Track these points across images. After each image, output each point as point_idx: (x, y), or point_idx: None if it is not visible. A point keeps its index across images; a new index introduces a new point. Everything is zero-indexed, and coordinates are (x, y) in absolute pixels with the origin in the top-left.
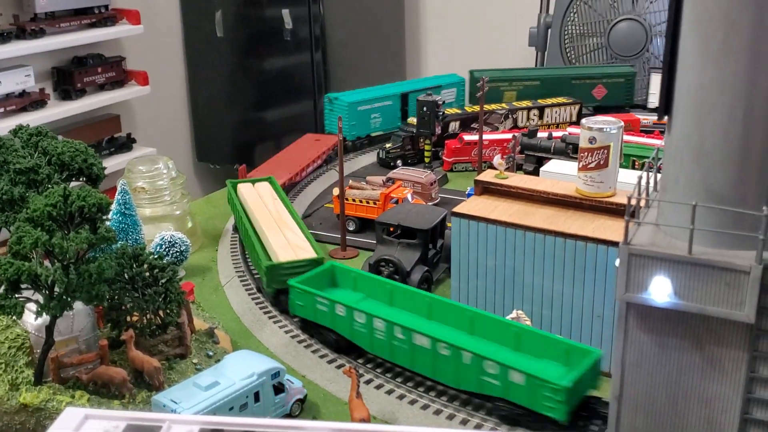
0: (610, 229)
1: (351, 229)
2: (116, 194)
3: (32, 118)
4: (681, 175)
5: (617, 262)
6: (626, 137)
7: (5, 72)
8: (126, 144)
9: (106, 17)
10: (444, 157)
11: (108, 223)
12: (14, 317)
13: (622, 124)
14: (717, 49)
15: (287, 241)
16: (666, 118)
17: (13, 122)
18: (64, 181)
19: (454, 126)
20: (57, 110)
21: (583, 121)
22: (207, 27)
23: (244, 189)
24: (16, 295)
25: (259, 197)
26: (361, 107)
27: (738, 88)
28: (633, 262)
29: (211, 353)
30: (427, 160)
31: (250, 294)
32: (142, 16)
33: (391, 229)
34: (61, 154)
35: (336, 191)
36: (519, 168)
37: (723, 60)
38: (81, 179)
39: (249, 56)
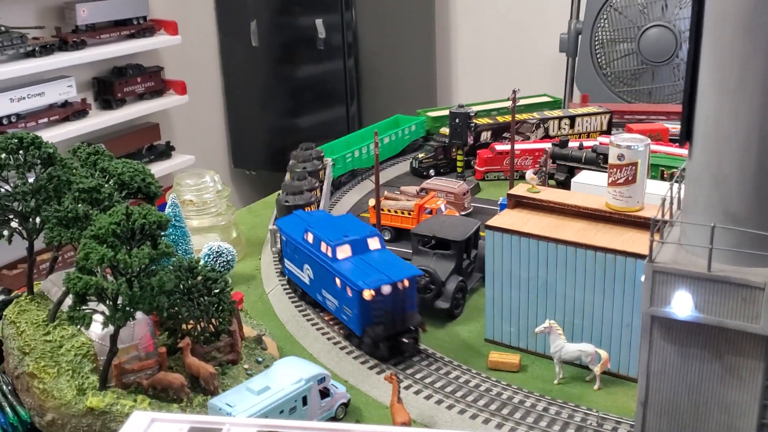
0: (639, 242)
1: (386, 238)
2: (167, 207)
3: (74, 128)
4: (700, 197)
5: (643, 278)
6: (655, 147)
7: (48, 83)
8: (165, 152)
9: (145, 28)
10: (476, 167)
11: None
12: (81, 328)
13: (649, 141)
14: (733, 83)
15: None
16: (687, 144)
17: (56, 132)
18: (124, 199)
19: (486, 136)
20: (98, 120)
21: (612, 138)
22: (242, 37)
23: None
24: (83, 307)
25: None
26: None
27: (752, 119)
28: (657, 278)
29: (260, 359)
30: (459, 169)
31: (293, 302)
32: (179, 27)
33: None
34: (122, 174)
35: (372, 202)
36: (551, 177)
37: (738, 93)
38: (139, 197)
39: (283, 64)
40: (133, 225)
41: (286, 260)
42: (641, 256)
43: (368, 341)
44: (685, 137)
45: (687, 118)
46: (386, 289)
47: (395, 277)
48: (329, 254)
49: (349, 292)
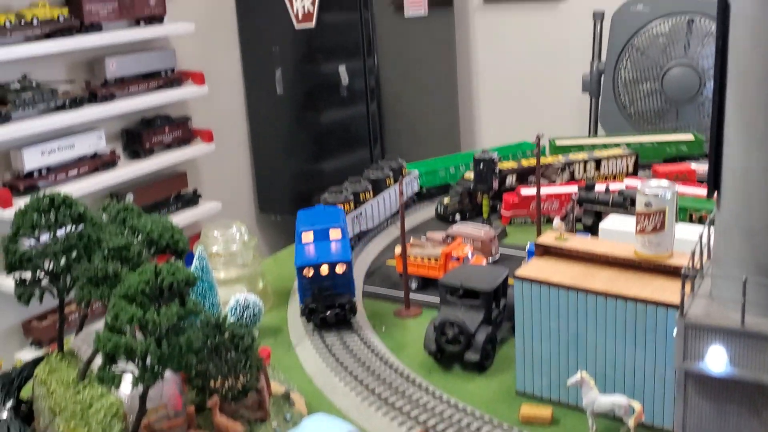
0: (669, 290)
1: (413, 287)
2: (194, 260)
3: (103, 179)
4: (731, 249)
5: (675, 332)
6: (682, 188)
7: (78, 135)
8: (192, 199)
9: (173, 80)
10: (502, 212)
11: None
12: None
13: (677, 188)
14: (759, 134)
15: None
16: (715, 195)
17: (85, 183)
18: (152, 256)
19: (510, 180)
20: (127, 170)
21: (639, 186)
22: (267, 85)
23: None
24: (113, 367)
25: None
26: None
27: None
28: (689, 333)
29: (288, 416)
30: (485, 215)
31: (320, 355)
32: (206, 77)
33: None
34: (151, 231)
35: (398, 249)
36: (578, 221)
37: (765, 144)
38: (167, 253)
39: (307, 110)
40: (162, 283)
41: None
42: (672, 306)
43: (303, 309)
44: (713, 188)
45: (714, 169)
46: (323, 269)
47: (328, 260)
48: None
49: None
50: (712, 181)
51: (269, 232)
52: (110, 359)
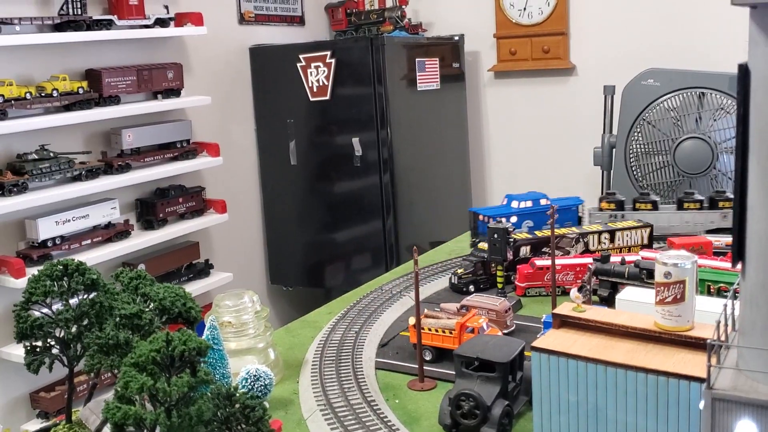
0: (691, 363)
1: (428, 359)
2: (206, 330)
3: (117, 249)
4: (758, 319)
5: (701, 405)
6: (699, 261)
7: (93, 206)
8: (204, 270)
9: (188, 151)
10: (516, 283)
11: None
12: None
13: (697, 258)
14: None
15: None
16: (740, 265)
17: (98, 253)
18: (164, 324)
19: (525, 250)
20: (140, 240)
21: (658, 256)
22: (281, 156)
23: None
24: None
25: None
26: None
27: None
28: (717, 406)
29: None
30: (500, 285)
31: (332, 429)
32: (221, 148)
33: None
34: (163, 299)
35: (412, 320)
36: (594, 293)
37: None
38: (179, 321)
39: (320, 181)
40: (173, 352)
41: None
42: (695, 379)
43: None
44: (738, 257)
45: (738, 237)
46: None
47: (490, 214)
48: None
49: None
50: (737, 251)
51: (280, 303)
52: (119, 429)
